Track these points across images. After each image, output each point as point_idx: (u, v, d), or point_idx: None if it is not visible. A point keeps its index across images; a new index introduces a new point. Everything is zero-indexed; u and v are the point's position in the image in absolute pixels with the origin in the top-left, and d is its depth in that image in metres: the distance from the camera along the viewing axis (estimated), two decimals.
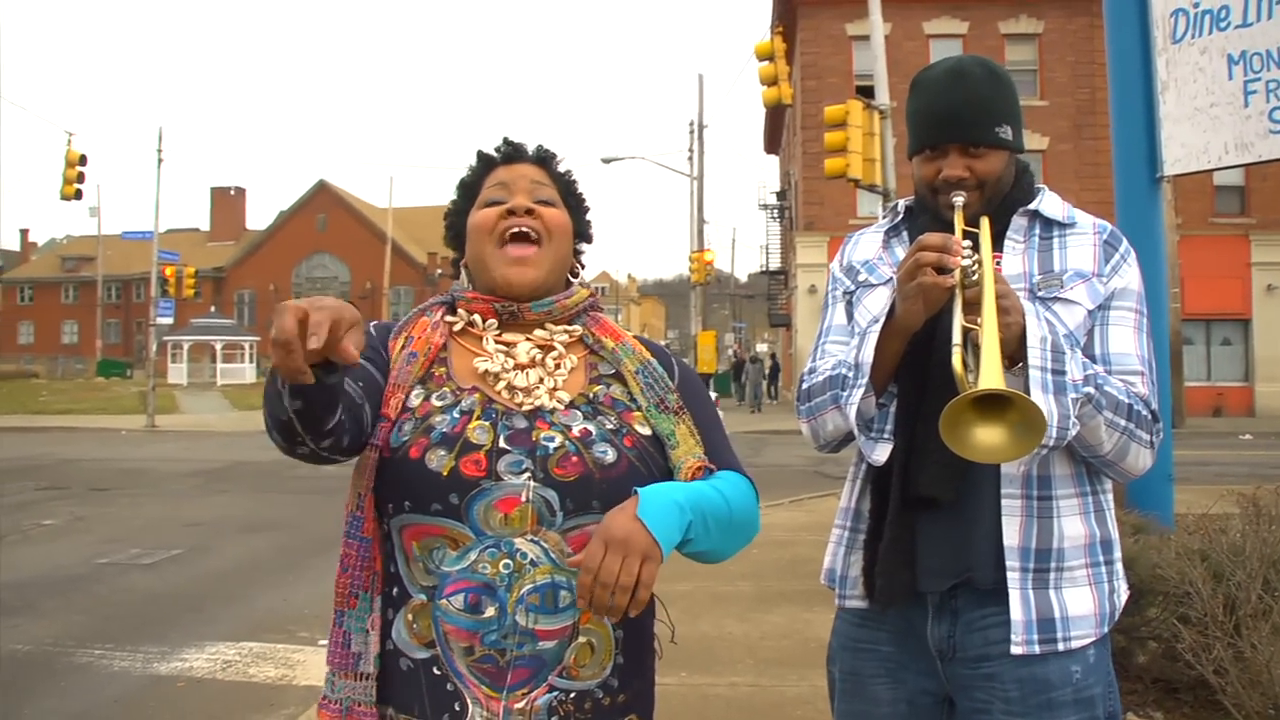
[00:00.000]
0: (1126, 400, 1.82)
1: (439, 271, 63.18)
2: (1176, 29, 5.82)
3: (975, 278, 1.73)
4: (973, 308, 1.71)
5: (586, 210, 1.86)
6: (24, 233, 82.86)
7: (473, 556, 1.51)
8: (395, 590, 1.58)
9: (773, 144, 43.01)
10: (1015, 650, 1.81)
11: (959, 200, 1.93)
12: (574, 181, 1.83)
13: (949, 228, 1.93)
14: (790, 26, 26.26)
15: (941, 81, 1.98)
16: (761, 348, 51.79)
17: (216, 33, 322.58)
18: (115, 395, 36.02)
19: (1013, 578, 1.82)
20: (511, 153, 1.78)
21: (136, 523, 10.41)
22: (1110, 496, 1.96)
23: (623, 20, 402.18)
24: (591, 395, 1.66)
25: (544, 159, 1.80)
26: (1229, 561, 3.77)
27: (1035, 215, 2.00)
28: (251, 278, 64.49)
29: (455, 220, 1.81)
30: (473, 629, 1.50)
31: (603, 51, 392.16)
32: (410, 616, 1.54)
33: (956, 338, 1.68)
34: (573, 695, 1.54)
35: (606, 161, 32.26)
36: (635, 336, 1.80)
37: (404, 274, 60.63)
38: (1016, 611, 1.82)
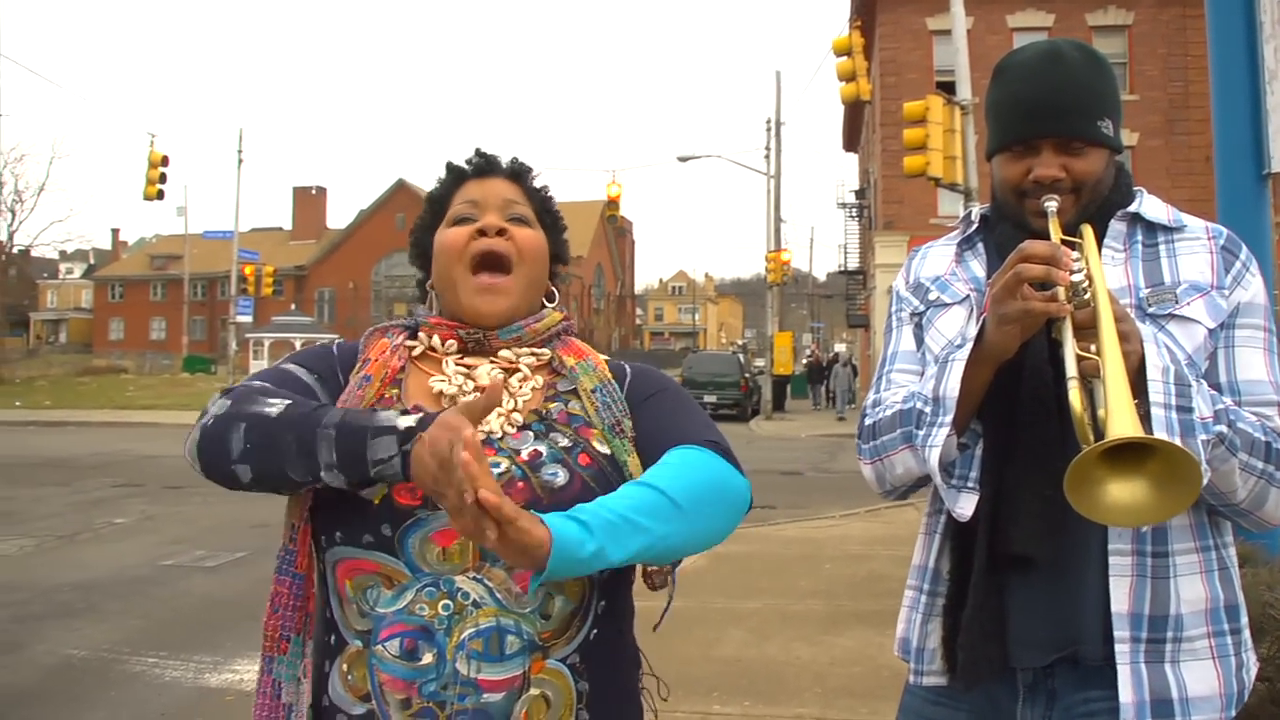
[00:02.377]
0: (1264, 438, 1.53)
1: None
2: None
3: (1086, 296, 1.45)
4: (1084, 332, 1.44)
5: (563, 229, 1.69)
6: (115, 232, 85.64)
7: (409, 596, 1.36)
8: (332, 638, 1.41)
9: (851, 141, 42.36)
10: None
11: (1051, 206, 1.63)
12: (550, 198, 1.69)
13: (1036, 238, 1.61)
14: (869, 21, 25.74)
15: (1034, 66, 1.68)
16: (840, 348, 51.04)
17: (301, 35, 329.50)
18: (198, 391, 36.77)
19: (1122, 650, 1.53)
20: (484, 165, 1.64)
21: (204, 523, 10.44)
22: (1233, 551, 1.65)
23: (700, 18, 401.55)
24: (545, 412, 1.48)
25: (518, 174, 1.66)
26: None
27: (1136, 219, 1.71)
28: (332, 276, 65.53)
29: (421, 237, 1.66)
30: (409, 678, 1.33)
31: (680, 49, 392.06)
32: (346, 667, 1.40)
33: (1071, 370, 1.41)
34: None
35: (683, 160, 32.17)
36: (605, 360, 1.62)
37: None
38: (1126, 691, 1.52)
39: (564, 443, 1.45)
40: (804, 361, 41.83)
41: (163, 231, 77.94)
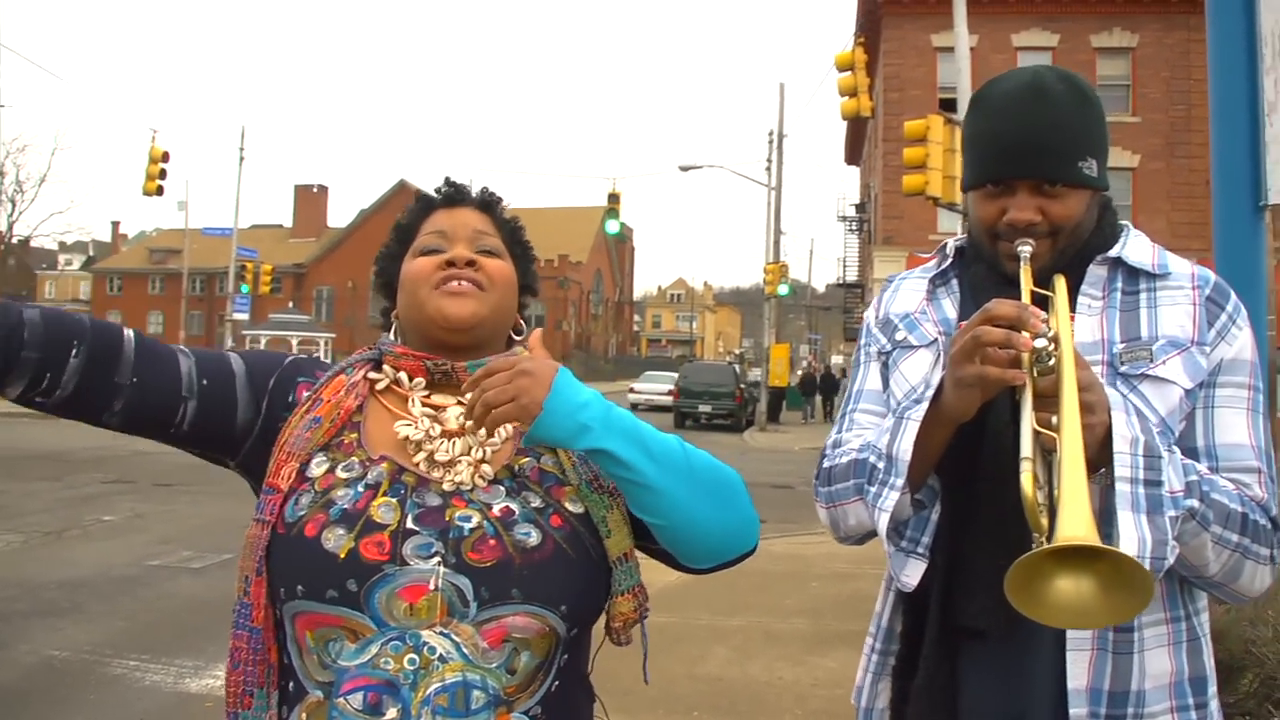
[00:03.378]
0: (1239, 509, 1.45)
1: None
2: None
3: (1051, 362, 1.34)
4: (1045, 402, 1.34)
5: (533, 260, 1.65)
6: (115, 224, 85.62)
7: (374, 650, 1.32)
8: (291, 685, 1.38)
9: (854, 155, 42.39)
10: None
11: (1025, 252, 1.54)
12: (520, 229, 1.65)
13: (1011, 282, 1.56)
14: (874, 36, 25.78)
15: (1014, 99, 1.57)
16: (836, 359, 51.04)
17: (305, 34, 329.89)
18: None
19: None
20: (453, 195, 1.60)
21: (193, 522, 10.39)
22: (1206, 617, 1.58)
23: (705, 28, 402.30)
24: (517, 468, 1.44)
25: (488, 204, 1.61)
26: None
27: (1118, 264, 1.60)
28: (331, 275, 65.45)
29: (387, 265, 1.61)
30: None
31: (683, 59, 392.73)
32: (305, 716, 1.35)
33: (1026, 449, 1.30)
34: None
35: (685, 169, 32.14)
36: None
37: None
38: None
39: (536, 503, 1.42)
40: (798, 373, 41.77)
41: (163, 225, 77.59)
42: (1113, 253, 1.61)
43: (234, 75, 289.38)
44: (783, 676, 5.40)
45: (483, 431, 1.44)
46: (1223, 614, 3.95)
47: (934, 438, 1.49)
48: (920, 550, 1.53)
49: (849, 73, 15.81)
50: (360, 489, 1.38)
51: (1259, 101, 5.46)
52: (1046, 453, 1.33)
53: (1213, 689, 1.56)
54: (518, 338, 1.60)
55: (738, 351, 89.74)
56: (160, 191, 22.37)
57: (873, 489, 1.54)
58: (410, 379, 1.51)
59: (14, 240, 57.06)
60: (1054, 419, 1.31)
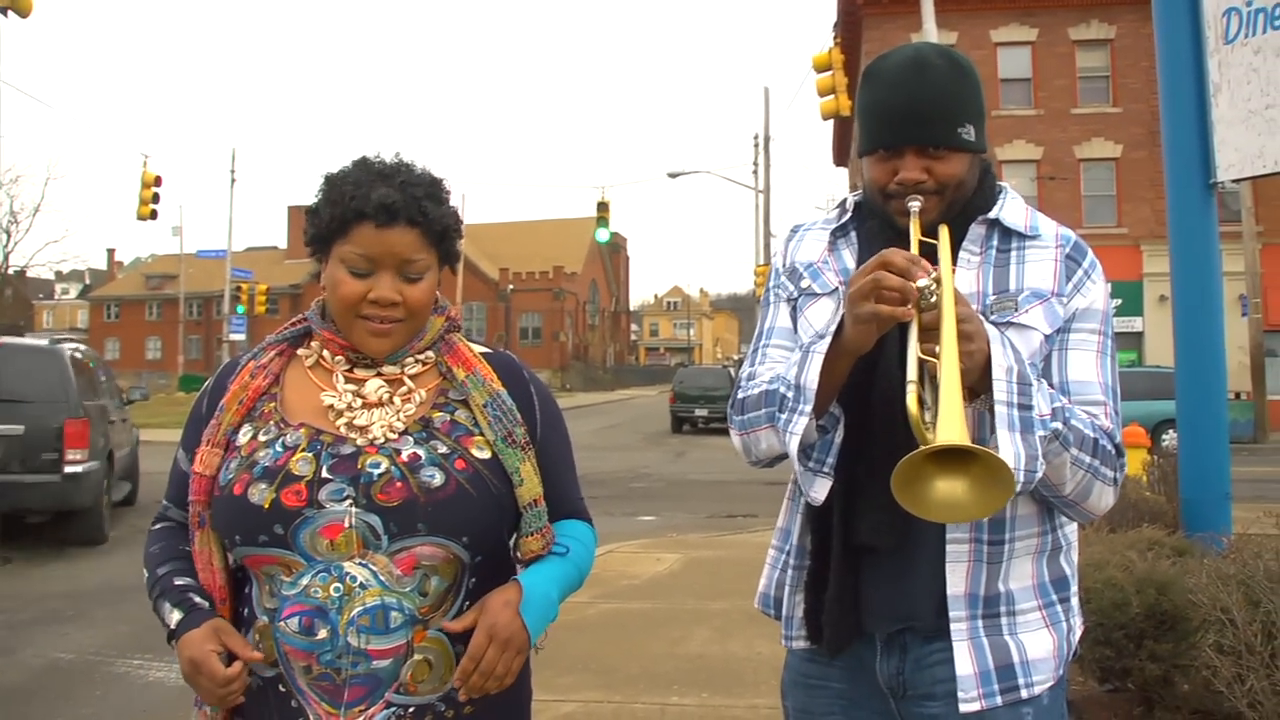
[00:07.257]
0: (1092, 435, 1.65)
1: (510, 287, 63.70)
2: (1229, 29, 5.62)
3: (934, 300, 1.53)
4: (930, 334, 1.52)
5: (456, 239, 1.73)
6: (110, 252, 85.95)
7: (305, 581, 1.57)
8: (245, 611, 1.65)
9: (841, 156, 42.62)
10: (969, 707, 1.66)
11: (914, 206, 1.73)
12: (448, 225, 1.68)
13: (901, 235, 1.75)
14: (855, 37, 26.06)
15: (898, 73, 1.76)
16: None
17: (295, 54, 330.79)
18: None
19: (959, 628, 1.68)
20: (384, 219, 1.60)
21: None
22: (1072, 529, 1.82)
23: (686, 34, 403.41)
24: (430, 420, 1.65)
25: (417, 222, 1.62)
26: (1266, 586, 3.57)
27: (995, 224, 1.80)
28: None
29: (316, 235, 1.66)
30: (308, 649, 1.57)
31: (666, 65, 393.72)
32: (256, 637, 1.62)
33: (911, 373, 1.49)
34: (411, 710, 1.58)
35: (673, 176, 32.34)
36: (485, 353, 1.75)
37: (476, 290, 61.13)
38: (964, 665, 1.67)
39: (443, 449, 1.61)
40: None
41: (158, 251, 77.95)
42: (991, 214, 1.81)
43: (224, 98, 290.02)
44: (761, 652, 5.57)
45: (397, 400, 1.66)
46: (1169, 567, 4.15)
47: (836, 368, 1.67)
48: (826, 470, 1.73)
49: (828, 73, 16.04)
50: (280, 448, 1.60)
51: (1205, 83, 5.68)
52: (932, 378, 1.52)
53: (1074, 587, 1.80)
54: (436, 311, 1.72)
55: (735, 357, 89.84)
56: (154, 216, 22.61)
57: (783, 415, 1.70)
58: (334, 358, 1.70)
59: (10, 271, 57.39)
60: (936, 348, 1.51)
